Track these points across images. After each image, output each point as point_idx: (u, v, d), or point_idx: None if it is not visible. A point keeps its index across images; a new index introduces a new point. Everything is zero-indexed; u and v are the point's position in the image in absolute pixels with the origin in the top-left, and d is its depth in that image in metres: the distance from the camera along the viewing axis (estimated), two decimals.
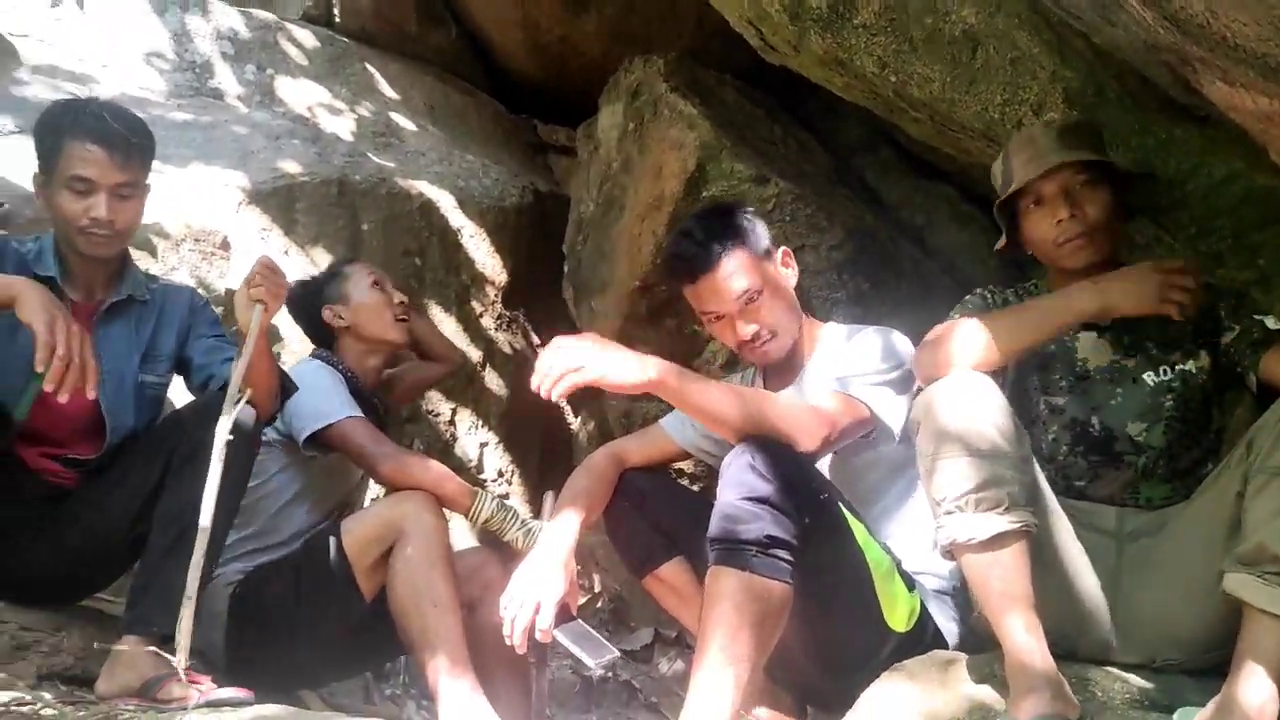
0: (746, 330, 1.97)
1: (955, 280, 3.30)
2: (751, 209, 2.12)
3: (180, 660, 1.48)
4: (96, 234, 1.95)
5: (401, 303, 2.47)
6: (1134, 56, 1.70)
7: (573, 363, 1.65)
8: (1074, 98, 1.96)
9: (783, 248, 2.09)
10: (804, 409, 1.81)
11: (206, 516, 1.53)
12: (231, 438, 1.55)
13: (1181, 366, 1.77)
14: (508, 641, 1.84)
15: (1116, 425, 1.78)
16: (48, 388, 1.67)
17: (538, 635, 1.83)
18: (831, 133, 3.81)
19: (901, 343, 1.96)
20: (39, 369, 1.67)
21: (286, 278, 1.85)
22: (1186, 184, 1.94)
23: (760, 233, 2.03)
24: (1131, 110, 1.92)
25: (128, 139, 1.97)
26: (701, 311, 2.02)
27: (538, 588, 1.86)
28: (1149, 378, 1.78)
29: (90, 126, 1.94)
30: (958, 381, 1.62)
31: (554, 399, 1.66)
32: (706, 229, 1.99)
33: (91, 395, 1.72)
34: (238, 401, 1.70)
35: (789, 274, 2.07)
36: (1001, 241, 1.89)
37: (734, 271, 1.95)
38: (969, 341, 1.66)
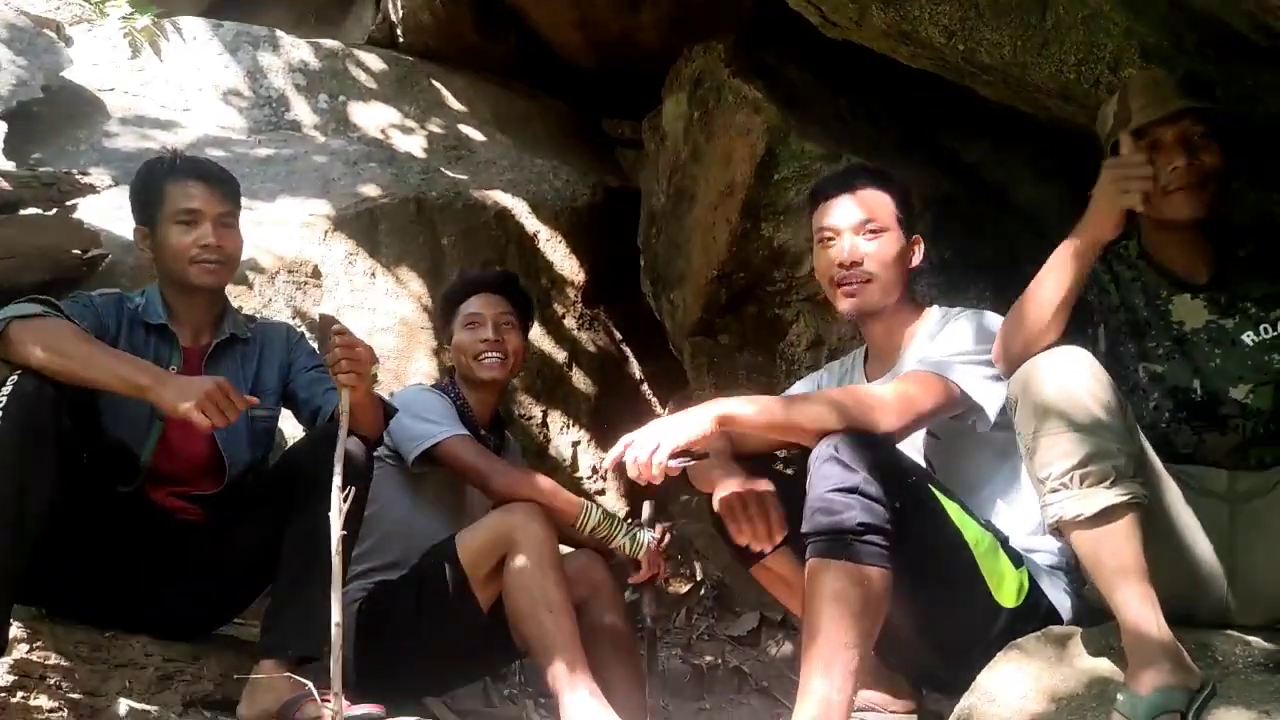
0: (851, 253, 1.99)
1: (1040, 239, 3.22)
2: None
3: (335, 688, 1.56)
4: (208, 261, 2.08)
5: (486, 340, 2.44)
6: (1209, 5, 1.65)
7: (650, 445, 1.72)
8: (1151, 52, 1.90)
9: (918, 235, 2.10)
10: (880, 392, 1.82)
11: (337, 558, 1.61)
12: (347, 494, 1.64)
13: None
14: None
15: (1220, 389, 1.73)
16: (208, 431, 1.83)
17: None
18: (903, 99, 3.75)
19: (995, 323, 1.94)
20: (203, 427, 1.81)
21: (367, 349, 1.89)
22: (1277, 131, 1.87)
23: (908, 203, 2.09)
24: (1212, 60, 1.86)
25: (221, 173, 2.17)
26: (819, 228, 2.06)
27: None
28: (1249, 337, 1.72)
29: (187, 168, 2.14)
30: (1054, 356, 1.60)
31: (659, 480, 1.75)
32: (862, 167, 2.14)
33: (256, 402, 1.92)
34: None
35: (912, 256, 2.07)
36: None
37: (868, 200, 2.03)
38: (1019, 320, 1.67)
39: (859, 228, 2.01)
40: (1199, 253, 1.79)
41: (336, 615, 1.61)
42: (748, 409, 1.80)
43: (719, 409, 1.78)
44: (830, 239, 2.03)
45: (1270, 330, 1.71)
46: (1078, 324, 1.74)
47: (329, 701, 1.80)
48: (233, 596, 2.16)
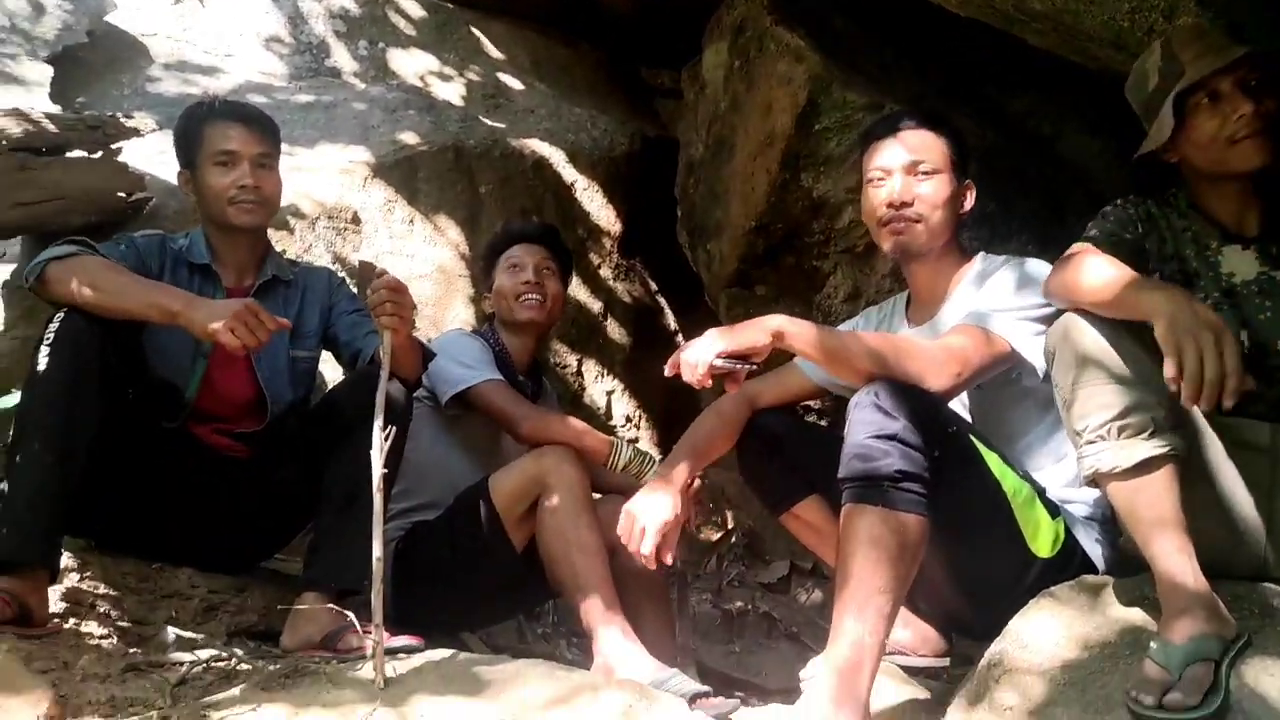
0: (902, 193, 1.97)
1: (1088, 192, 3.17)
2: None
3: (377, 618, 1.60)
4: (245, 200, 2.11)
5: (527, 281, 2.48)
6: None
7: (704, 347, 1.77)
8: None
9: (969, 180, 2.07)
10: (932, 348, 1.80)
11: (378, 495, 1.64)
12: (386, 442, 1.66)
13: None
14: (685, 371, 1.83)
15: (1268, 340, 1.69)
16: (240, 354, 1.85)
17: (641, 559, 1.91)
18: (949, 48, 3.67)
19: (1040, 273, 1.91)
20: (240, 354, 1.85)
21: (408, 293, 1.91)
22: None
23: (961, 148, 2.06)
24: (1271, 6, 1.80)
25: (259, 115, 2.19)
26: (871, 168, 2.04)
27: (643, 513, 1.93)
28: None
29: (225, 110, 2.17)
30: None
31: (707, 383, 1.79)
32: (916, 110, 2.11)
33: (288, 324, 1.94)
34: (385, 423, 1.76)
35: (963, 202, 2.05)
36: (1158, 141, 1.73)
37: (923, 140, 2.01)
38: (1095, 283, 1.60)
39: (911, 168, 1.99)
40: (1248, 204, 1.75)
41: (378, 550, 1.64)
42: (803, 331, 1.80)
43: (776, 323, 1.79)
44: (881, 179, 2.01)
45: None
46: (1137, 266, 1.70)
47: (370, 632, 1.85)
48: (275, 532, 2.22)
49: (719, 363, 1.77)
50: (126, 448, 1.99)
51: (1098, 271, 1.61)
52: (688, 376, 1.79)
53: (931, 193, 1.98)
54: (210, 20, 3.84)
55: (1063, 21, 2.13)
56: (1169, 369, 1.43)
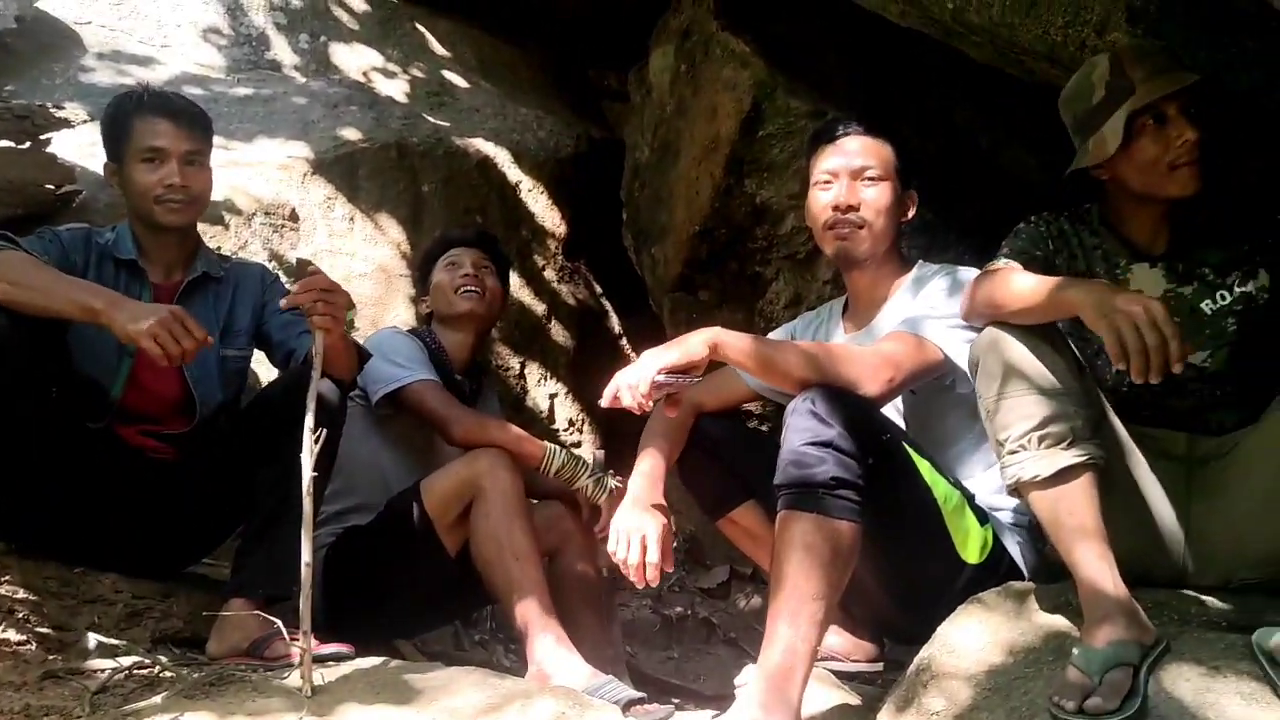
0: (848, 197, 2.01)
1: (1025, 204, 3.21)
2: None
3: (304, 626, 1.57)
4: (172, 200, 2.05)
5: (466, 274, 2.48)
6: None
7: (643, 366, 1.77)
8: (1138, 16, 1.89)
9: (913, 190, 2.12)
10: (866, 353, 1.82)
11: (308, 499, 1.60)
12: (318, 436, 1.63)
13: (1241, 288, 1.72)
14: (634, 580, 1.89)
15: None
16: (162, 363, 1.77)
17: (650, 570, 1.89)
18: (892, 59, 3.72)
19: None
20: (161, 364, 1.78)
21: (342, 292, 1.87)
22: (1261, 99, 1.87)
23: (905, 158, 2.11)
24: (1199, 25, 1.85)
25: (190, 109, 2.12)
26: (820, 171, 2.07)
27: (638, 527, 1.92)
28: (1207, 305, 1.73)
29: (154, 104, 2.09)
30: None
31: (648, 405, 1.79)
32: (865, 118, 2.15)
33: (211, 342, 1.86)
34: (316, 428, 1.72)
35: (906, 210, 2.10)
36: (1101, 156, 1.74)
37: (871, 148, 2.05)
38: (1019, 293, 1.63)
39: (857, 173, 2.03)
40: (1161, 225, 1.78)
41: (307, 555, 1.61)
42: (739, 342, 1.82)
43: (712, 335, 1.81)
44: (827, 182, 2.05)
45: (1226, 296, 1.72)
46: None
47: (298, 640, 1.82)
48: (203, 536, 2.16)
49: (661, 378, 1.76)
50: (50, 448, 1.93)
51: (1019, 282, 1.64)
52: (628, 400, 1.78)
53: (876, 198, 2.02)
54: (147, 10, 3.74)
55: (999, 35, 2.17)
56: (1111, 349, 1.46)
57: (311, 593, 1.63)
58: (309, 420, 1.65)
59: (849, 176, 2.02)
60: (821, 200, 2.05)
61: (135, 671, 1.77)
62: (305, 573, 1.60)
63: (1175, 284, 1.75)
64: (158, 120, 2.05)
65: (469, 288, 2.46)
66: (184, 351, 1.76)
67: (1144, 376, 1.45)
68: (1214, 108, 1.73)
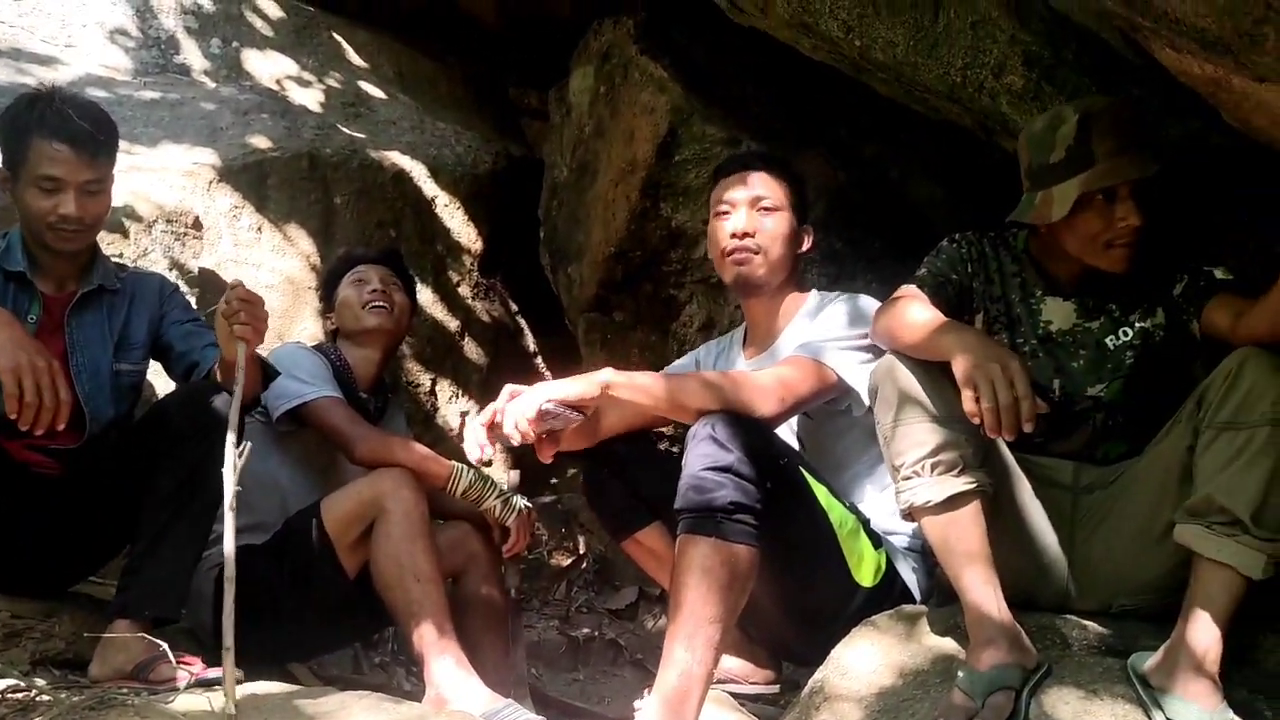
0: (746, 225, 2.08)
1: (929, 234, 3.31)
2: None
3: (228, 640, 1.49)
4: (65, 230, 1.96)
5: (374, 290, 2.43)
6: (1088, 21, 1.72)
7: (531, 396, 1.79)
8: (1033, 61, 1.97)
9: (809, 225, 2.21)
10: (760, 377, 1.87)
11: (230, 514, 1.55)
12: (240, 459, 1.58)
13: (1140, 324, 1.78)
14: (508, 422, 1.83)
15: (1079, 388, 1.79)
16: (22, 428, 1.73)
17: (532, 410, 1.80)
18: (805, 88, 3.81)
19: (871, 308, 2.00)
20: (10, 415, 1.71)
21: (264, 305, 1.83)
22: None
23: (802, 194, 2.20)
24: (1089, 73, 1.94)
25: (94, 136, 1.97)
26: (718, 201, 2.16)
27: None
28: (1110, 340, 1.79)
29: (56, 125, 1.93)
30: None
31: (532, 437, 1.82)
32: (764, 153, 2.30)
33: (61, 427, 1.77)
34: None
35: (802, 243, 2.18)
36: (1044, 219, 1.72)
37: (768, 181, 2.13)
38: (909, 327, 1.69)
39: (754, 202, 2.10)
40: (1082, 268, 1.80)
41: (230, 570, 1.55)
42: (632, 381, 1.86)
43: (605, 376, 1.84)
44: (726, 212, 2.13)
45: (1128, 332, 1.78)
46: (957, 306, 1.82)
47: (185, 663, 1.77)
48: (89, 553, 2.08)
49: (548, 407, 1.77)
50: None
51: (912, 317, 1.70)
52: (509, 428, 1.79)
53: (772, 227, 2.09)
54: (50, 8, 3.61)
55: (903, 74, 2.24)
56: (966, 403, 1.53)
57: (230, 610, 1.56)
58: (231, 436, 1.60)
59: (747, 206, 2.10)
60: (722, 229, 2.13)
61: (9, 696, 1.68)
62: (228, 587, 1.54)
63: (1084, 319, 1.81)
64: (59, 147, 1.92)
65: (377, 303, 2.42)
66: (39, 407, 1.70)
67: (996, 432, 1.52)
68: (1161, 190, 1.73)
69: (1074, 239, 1.75)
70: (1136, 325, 1.78)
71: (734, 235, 2.09)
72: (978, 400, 1.51)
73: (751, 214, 2.09)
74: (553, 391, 1.80)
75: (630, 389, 1.84)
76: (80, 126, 1.95)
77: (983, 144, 2.57)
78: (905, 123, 3.50)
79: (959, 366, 1.55)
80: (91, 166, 1.96)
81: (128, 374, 2.09)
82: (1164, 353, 1.78)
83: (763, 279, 2.09)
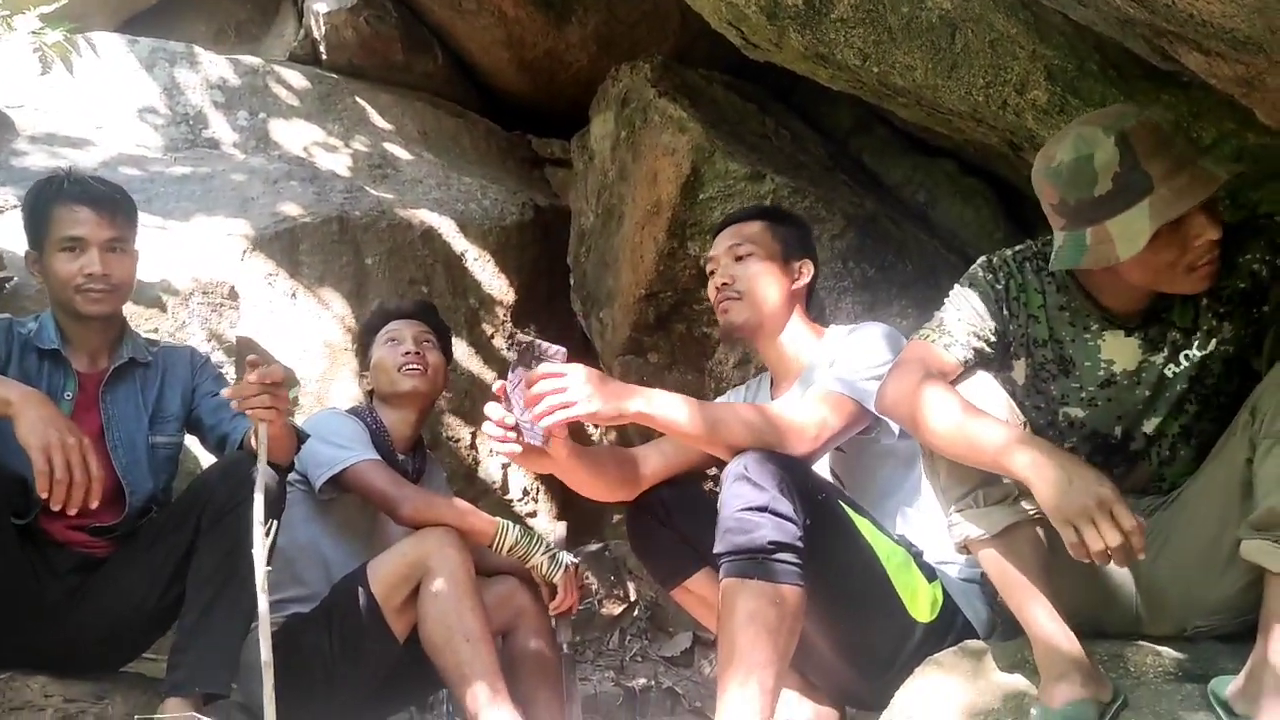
0: (722, 275, 2.13)
1: (960, 256, 3.28)
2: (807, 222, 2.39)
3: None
4: (93, 290, 2.00)
5: (408, 352, 2.43)
6: (1110, 30, 1.69)
7: (563, 399, 1.69)
8: (1056, 74, 1.94)
9: (806, 259, 2.19)
10: (791, 414, 1.83)
11: (263, 596, 1.54)
12: (269, 529, 1.57)
13: (1201, 351, 1.62)
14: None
15: (1134, 427, 1.69)
16: (54, 508, 1.73)
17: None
18: (825, 118, 3.80)
19: (898, 338, 1.98)
20: (41, 494, 1.72)
21: (290, 381, 1.84)
22: None
23: (791, 230, 2.20)
24: (1116, 82, 1.90)
25: (112, 196, 2.06)
26: (707, 259, 2.22)
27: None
28: (1170, 370, 1.65)
29: (73, 191, 2.02)
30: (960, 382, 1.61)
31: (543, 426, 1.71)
32: (748, 207, 2.35)
33: (95, 504, 1.77)
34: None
35: (796, 279, 2.15)
36: (1109, 260, 1.50)
37: (739, 229, 2.16)
38: (936, 436, 1.55)
39: (729, 252, 2.14)
40: (1145, 296, 1.63)
41: (266, 654, 1.54)
42: (665, 412, 1.78)
43: (639, 406, 1.75)
44: (712, 270, 2.18)
45: (1186, 360, 1.64)
46: (991, 360, 1.68)
47: None
48: (140, 632, 2.07)
49: (563, 415, 1.67)
50: None
51: (949, 418, 1.52)
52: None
53: (747, 271, 2.11)
54: (81, 91, 3.70)
55: (924, 96, 2.22)
56: (1071, 548, 1.42)
57: (270, 692, 1.55)
58: (258, 514, 1.59)
59: (725, 256, 2.14)
60: (710, 288, 2.19)
61: None
62: (266, 673, 1.53)
63: (1149, 353, 1.65)
64: (78, 208, 2.00)
65: (411, 365, 2.41)
66: (69, 484, 1.69)
67: (1106, 564, 1.44)
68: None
69: (1144, 271, 1.54)
70: (1196, 353, 1.63)
71: (716, 289, 2.14)
72: (1082, 542, 1.40)
73: (729, 264, 2.13)
74: (580, 406, 1.69)
75: (662, 420, 1.78)
76: (97, 189, 2.04)
77: (1011, 160, 2.54)
78: (931, 146, 3.48)
79: (1047, 504, 1.42)
80: (112, 225, 2.02)
81: (164, 446, 2.10)
82: (1228, 369, 1.64)
83: (746, 321, 2.10)
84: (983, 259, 1.75)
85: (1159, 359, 1.64)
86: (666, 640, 3.34)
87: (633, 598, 3.48)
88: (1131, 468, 1.71)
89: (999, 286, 1.69)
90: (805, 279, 2.16)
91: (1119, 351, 1.66)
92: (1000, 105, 2.04)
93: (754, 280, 2.10)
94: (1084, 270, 1.61)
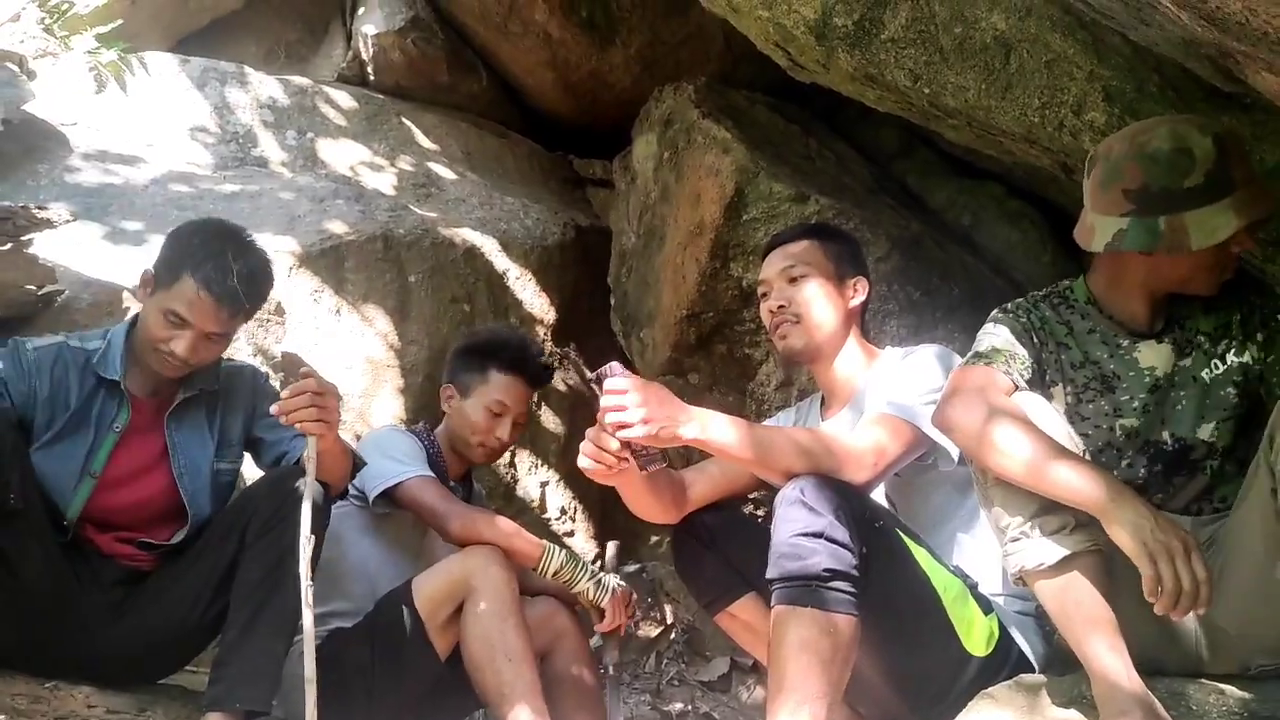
0: (777, 298, 2.07)
1: (1007, 280, 3.24)
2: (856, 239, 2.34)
3: None
4: (170, 362, 1.97)
5: (499, 438, 2.38)
6: (1172, 51, 1.66)
7: (629, 417, 1.67)
8: (1114, 96, 1.91)
9: (860, 277, 2.14)
10: (850, 441, 1.80)
11: (308, 611, 1.53)
12: (310, 542, 1.55)
13: (1237, 358, 1.67)
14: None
15: (1188, 434, 1.69)
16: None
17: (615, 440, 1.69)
18: (869, 140, 3.78)
19: (952, 359, 1.94)
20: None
21: (336, 395, 1.80)
22: None
23: (843, 248, 2.15)
24: (1175, 103, 1.87)
25: (242, 301, 1.98)
26: (759, 283, 2.16)
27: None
28: (1205, 374, 1.68)
29: (211, 277, 1.94)
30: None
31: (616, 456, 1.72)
32: (791, 227, 2.28)
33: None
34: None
35: (852, 297, 2.11)
36: (1168, 247, 1.56)
37: (791, 250, 2.11)
38: (1005, 464, 1.52)
39: (784, 274, 2.09)
40: (1159, 303, 1.72)
41: (310, 671, 1.54)
42: (719, 437, 1.74)
43: (694, 433, 1.71)
44: (765, 293, 2.13)
45: (1220, 365, 1.67)
46: (1031, 381, 1.68)
47: None
48: (183, 645, 2.07)
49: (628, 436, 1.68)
50: (10, 558, 1.85)
51: (1022, 447, 1.50)
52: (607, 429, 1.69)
53: (803, 293, 2.06)
54: (133, 109, 3.77)
55: (975, 118, 2.20)
56: (1147, 583, 1.42)
57: (312, 708, 1.54)
58: (305, 528, 1.59)
59: (779, 278, 2.09)
60: (763, 310, 2.14)
61: None
62: (309, 690, 1.52)
63: (1180, 357, 1.70)
64: (203, 295, 1.93)
65: (494, 450, 2.41)
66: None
67: (1169, 611, 1.42)
68: None
69: (1175, 268, 1.63)
70: (1231, 359, 1.67)
71: (771, 311, 2.09)
72: (1159, 580, 1.41)
73: (783, 286, 2.08)
74: (637, 434, 1.67)
75: (718, 445, 1.75)
76: (232, 288, 1.95)
77: (1062, 183, 2.50)
78: (976, 168, 3.45)
79: (1130, 539, 1.43)
80: (223, 323, 1.97)
81: (225, 473, 2.10)
82: (1271, 383, 1.65)
83: (806, 345, 2.06)
84: (996, 310, 1.81)
85: (1188, 362, 1.69)
86: (703, 665, 3.30)
87: (670, 621, 3.45)
88: (1192, 478, 1.69)
89: (1021, 321, 1.74)
90: (861, 296, 2.12)
91: (1155, 358, 1.71)
92: (1056, 126, 2.01)
93: (810, 303, 2.06)
94: (1095, 285, 1.73)
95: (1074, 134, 2.01)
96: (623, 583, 2.24)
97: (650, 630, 3.41)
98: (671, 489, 1.95)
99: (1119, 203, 1.59)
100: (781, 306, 2.06)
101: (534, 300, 3.72)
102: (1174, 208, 1.55)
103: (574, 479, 3.62)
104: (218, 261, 1.95)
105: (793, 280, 2.07)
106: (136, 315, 2.06)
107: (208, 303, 1.94)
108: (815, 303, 2.05)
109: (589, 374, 3.84)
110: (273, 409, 1.81)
